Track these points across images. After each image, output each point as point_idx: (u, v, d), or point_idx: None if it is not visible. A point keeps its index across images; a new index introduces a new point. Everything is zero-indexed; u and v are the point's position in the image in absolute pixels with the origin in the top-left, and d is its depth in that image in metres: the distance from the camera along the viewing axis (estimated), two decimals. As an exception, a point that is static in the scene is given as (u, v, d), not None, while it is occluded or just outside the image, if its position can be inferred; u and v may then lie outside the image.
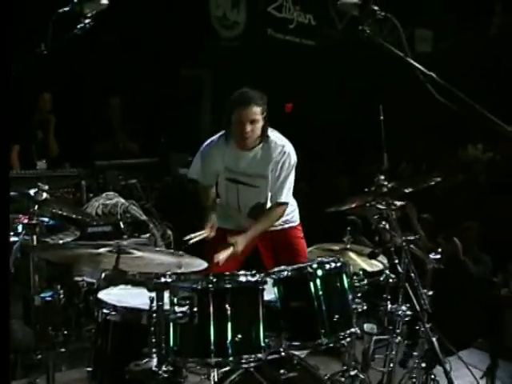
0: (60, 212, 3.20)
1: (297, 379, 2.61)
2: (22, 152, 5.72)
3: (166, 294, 2.38)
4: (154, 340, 2.39)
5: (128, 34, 7.01)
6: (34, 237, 2.94)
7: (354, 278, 2.79)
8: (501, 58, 8.75)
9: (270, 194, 3.58)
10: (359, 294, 2.78)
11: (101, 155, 5.89)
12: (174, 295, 2.38)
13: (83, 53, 5.76)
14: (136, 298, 2.69)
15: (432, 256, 3.17)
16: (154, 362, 2.37)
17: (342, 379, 2.93)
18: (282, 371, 2.58)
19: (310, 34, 9.57)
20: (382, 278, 2.96)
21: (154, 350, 2.39)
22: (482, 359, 3.90)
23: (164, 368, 2.35)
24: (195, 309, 2.37)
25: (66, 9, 2.39)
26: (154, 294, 2.36)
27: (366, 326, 3.00)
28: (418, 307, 2.68)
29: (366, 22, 2.28)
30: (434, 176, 3.47)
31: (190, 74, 8.64)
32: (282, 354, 2.62)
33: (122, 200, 4.95)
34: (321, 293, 2.61)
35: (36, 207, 2.95)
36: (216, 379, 2.65)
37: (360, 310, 2.74)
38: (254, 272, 2.50)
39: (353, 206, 3.09)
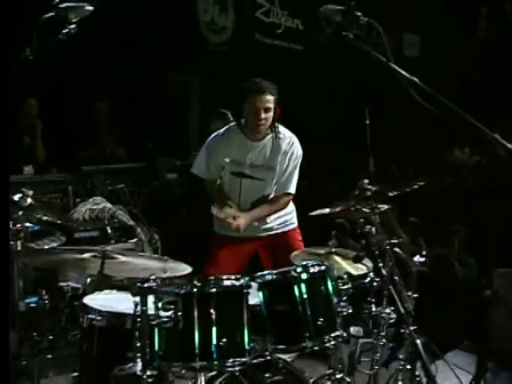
0: (45, 218, 3.19)
1: (282, 382, 2.62)
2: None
3: (151, 299, 2.38)
4: (138, 344, 2.38)
5: (115, 38, 7.02)
6: (19, 242, 2.93)
7: (339, 281, 2.80)
8: (488, 60, 8.83)
9: (275, 187, 3.62)
10: (344, 298, 2.78)
11: (88, 160, 5.87)
12: (159, 299, 2.38)
13: (68, 57, 5.76)
14: (121, 302, 2.68)
15: (416, 259, 3.19)
16: (139, 366, 2.36)
17: (328, 382, 2.93)
18: (267, 375, 2.60)
19: (298, 39, 9.61)
20: (366, 281, 2.97)
21: (138, 355, 2.38)
22: (468, 361, 3.93)
23: (149, 373, 2.34)
24: (180, 313, 2.37)
25: (51, 14, 2.40)
26: (138, 299, 2.36)
27: (352, 328, 3.01)
28: (402, 310, 2.69)
29: (352, 27, 2.29)
30: (419, 180, 3.49)
31: (178, 79, 8.64)
32: (268, 357, 2.62)
33: (109, 205, 4.93)
34: (305, 296, 2.62)
35: (20, 213, 2.94)
36: (203, 384, 2.65)
37: (345, 313, 2.76)
38: (238, 276, 2.51)
39: (337, 210, 3.10)
